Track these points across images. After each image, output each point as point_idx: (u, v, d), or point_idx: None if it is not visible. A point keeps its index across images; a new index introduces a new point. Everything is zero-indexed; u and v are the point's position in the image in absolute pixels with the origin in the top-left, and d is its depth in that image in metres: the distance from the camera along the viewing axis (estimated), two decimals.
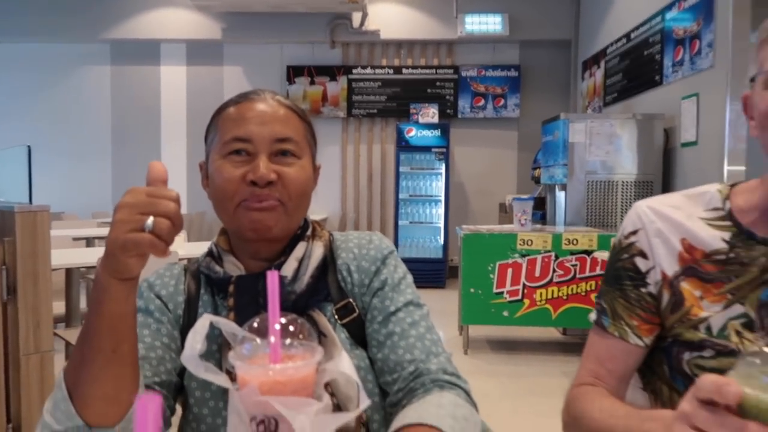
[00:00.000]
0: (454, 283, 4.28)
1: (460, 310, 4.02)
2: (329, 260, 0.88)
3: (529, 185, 6.65)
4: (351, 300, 0.86)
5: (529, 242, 3.86)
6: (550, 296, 3.88)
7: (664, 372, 0.89)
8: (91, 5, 6.95)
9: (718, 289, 0.82)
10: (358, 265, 0.88)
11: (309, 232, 0.88)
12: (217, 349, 0.82)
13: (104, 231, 5.07)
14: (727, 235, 0.84)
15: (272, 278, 0.59)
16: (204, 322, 0.60)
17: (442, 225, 6.70)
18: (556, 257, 3.85)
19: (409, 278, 0.91)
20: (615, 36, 5.62)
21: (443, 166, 6.62)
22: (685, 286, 0.84)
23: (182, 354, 0.57)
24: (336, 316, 0.85)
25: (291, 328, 0.59)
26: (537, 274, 3.89)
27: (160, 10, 7.00)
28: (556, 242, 3.84)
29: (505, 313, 3.90)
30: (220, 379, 0.57)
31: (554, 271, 3.86)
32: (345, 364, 0.59)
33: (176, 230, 0.61)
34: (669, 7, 4.51)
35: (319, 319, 0.82)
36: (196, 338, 0.57)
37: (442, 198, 6.69)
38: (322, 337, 0.80)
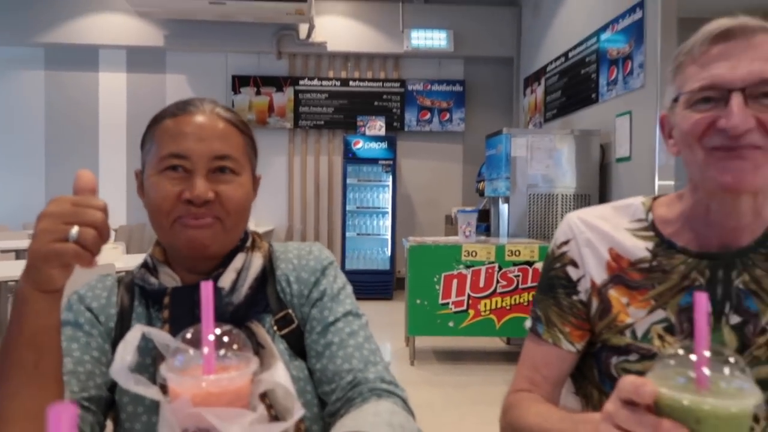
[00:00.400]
0: (402, 294, 4.31)
1: (407, 321, 4.05)
2: (268, 271, 0.87)
3: (474, 197, 6.79)
4: (290, 311, 0.86)
5: (474, 254, 3.94)
6: (494, 306, 3.96)
7: (594, 376, 0.92)
8: (23, 7, 6.66)
9: (642, 296, 0.87)
10: (298, 276, 0.88)
11: (248, 244, 0.88)
12: (152, 362, 0.80)
13: None
14: (650, 245, 0.89)
15: (206, 288, 0.58)
16: (135, 333, 0.58)
17: (389, 237, 6.74)
18: (500, 268, 3.93)
19: (349, 289, 0.92)
20: (554, 55, 5.84)
21: (390, 178, 6.67)
22: (613, 293, 0.89)
23: (111, 367, 0.56)
24: (275, 327, 0.84)
25: (225, 339, 0.59)
26: (481, 284, 3.96)
27: (99, 14, 6.78)
28: (500, 253, 3.93)
29: (451, 324, 3.95)
30: (151, 392, 0.56)
31: (498, 281, 3.94)
32: (280, 374, 0.58)
33: (103, 240, 0.60)
34: (603, 29, 4.73)
35: (257, 330, 0.81)
36: (127, 349, 0.56)
37: (389, 210, 6.73)
38: (260, 348, 0.79)
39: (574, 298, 0.92)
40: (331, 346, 0.83)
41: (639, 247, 0.89)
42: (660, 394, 0.52)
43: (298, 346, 0.85)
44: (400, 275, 6.16)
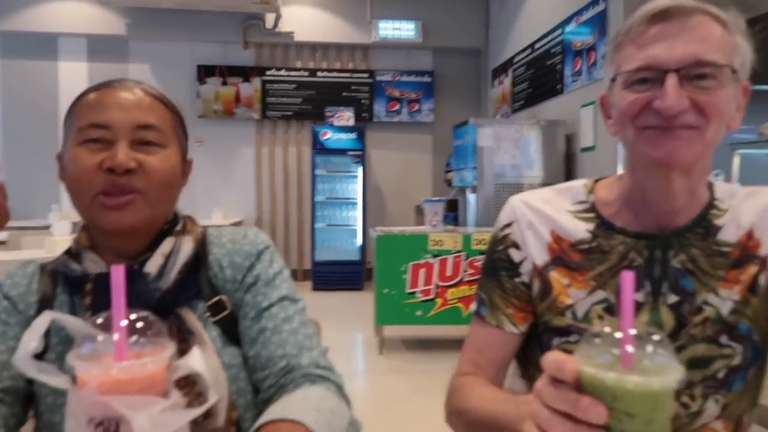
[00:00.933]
0: (372, 284, 4.30)
1: (375, 311, 4.04)
2: (201, 256, 0.85)
3: (443, 188, 6.81)
4: (223, 297, 0.83)
5: (441, 243, 3.94)
6: (461, 295, 3.98)
7: (537, 358, 0.92)
8: None
9: (583, 277, 0.87)
10: (231, 261, 0.86)
11: (179, 227, 0.85)
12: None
13: None
14: (590, 226, 0.89)
15: (117, 273, 0.55)
16: (43, 319, 0.55)
17: (359, 227, 6.72)
18: (467, 257, 3.95)
19: (286, 273, 0.90)
20: (521, 46, 5.87)
21: (359, 169, 6.64)
22: (554, 275, 0.88)
23: (15, 354, 0.53)
24: (207, 314, 0.82)
25: (140, 325, 0.57)
26: (448, 273, 3.97)
27: (58, 1, 6.57)
28: (466, 242, 3.95)
29: (419, 313, 3.96)
30: (57, 381, 0.53)
31: (465, 270, 3.96)
32: (195, 360, 0.56)
33: None
34: (568, 21, 4.76)
35: (187, 316, 0.79)
36: (32, 336, 0.53)
37: (359, 200, 6.71)
38: (189, 335, 0.77)
39: (517, 280, 0.91)
40: (264, 331, 0.82)
41: (579, 229, 0.89)
42: (581, 372, 0.51)
43: (231, 333, 0.82)
44: (371, 266, 6.16)
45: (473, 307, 0.97)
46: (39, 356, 0.57)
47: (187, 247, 0.83)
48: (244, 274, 0.85)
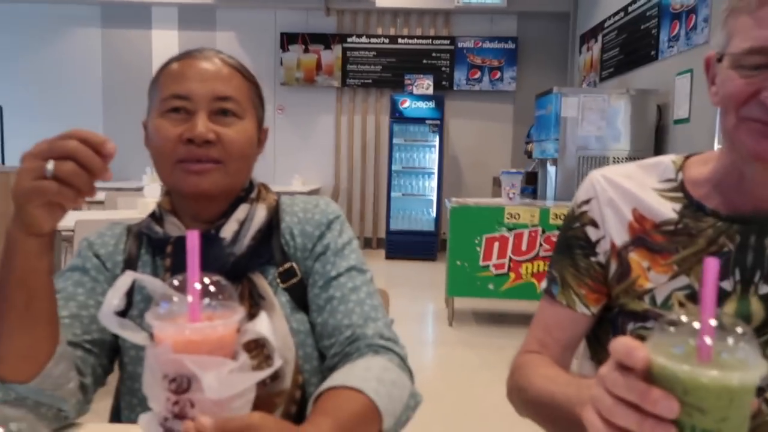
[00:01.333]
0: (445, 256, 4.30)
1: (447, 282, 4.04)
2: (274, 224, 0.87)
3: (523, 160, 6.62)
4: (294, 264, 0.85)
5: (517, 216, 3.86)
6: (535, 270, 3.89)
7: (609, 342, 0.89)
8: None
9: (665, 260, 0.82)
10: (302, 230, 0.87)
11: (253, 195, 0.87)
12: None
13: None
14: (677, 207, 0.83)
15: (192, 238, 0.58)
16: (125, 279, 0.59)
17: (434, 198, 6.69)
18: (543, 231, 3.84)
19: (355, 244, 0.90)
20: (613, 9, 5.52)
21: (437, 139, 6.58)
22: (633, 256, 0.84)
23: (99, 311, 0.56)
24: (278, 280, 0.84)
25: (212, 288, 0.59)
26: (523, 248, 3.89)
27: None
28: (544, 217, 3.84)
29: (491, 286, 3.92)
30: (137, 337, 0.57)
31: (540, 245, 3.86)
32: (263, 325, 0.58)
33: (90, 174, 0.58)
34: None
35: (258, 282, 0.81)
36: (115, 294, 0.57)
37: (436, 171, 6.66)
38: (260, 300, 0.80)
39: (592, 259, 0.88)
40: (332, 300, 0.83)
41: (665, 209, 0.83)
42: (652, 361, 0.49)
43: (300, 300, 0.85)
44: (445, 237, 6.14)
45: (544, 284, 0.94)
46: (123, 312, 0.61)
47: (260, 214, 0.85)
48: (314, 243, 0.87)
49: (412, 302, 4.74)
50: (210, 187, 0.79)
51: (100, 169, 0.59)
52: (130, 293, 0.66)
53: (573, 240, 0.90)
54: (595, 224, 0.88)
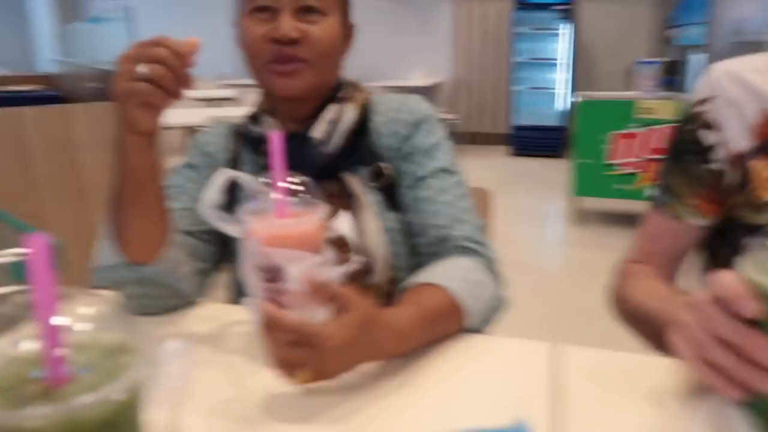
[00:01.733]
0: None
1: (572, 181, 3.88)
2: (364, 123, 0.88)
3: (662, 48, 5.93)
4: (383, 164, 0.87)
5: (651, 111, 3.54)
6: None
7: (724, 256, 0.82)
8: None
9: None
10: (390, 129, 0.88)
11: (342, 94, 0.88)
12: None
13: (224, 92, 5.36)
14: None
15: (275, 139, 0.61)
16: (221, 176, 0.64)
17: (562, 91, 6.28)
18: None
19: (445, 144, 0.89)
20: None
21: (566, 26, 6.05)
22: (756, 164, 0.75)
23: (198, 204, 0.62)
24: (369, 180, 0.86)
25: (298, 187, 0.63)
26: (656, 145, 3.60)
27: None
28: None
29: (618, 186, 3.72)
30: (231, 230, 0.62)
31: None
32: (342, 223, 0.61)
33: (179, 78, 0.63)
34: None
35: (349, 181, 0.84)
36: (212, 189, 0.62)
37: (564, 61, 6.19)
38: (352, 199, 0.83)
39: (706, 166, 0.79)
40: (420, 201, 0.84)
41: None
42: (756, 281, 0.45)
43: (392, 199, 0.86)
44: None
45: (652, 191, 0.87)
46: (229, 206, 0.67)
47: (349, 114, 0.86)
48: (403, 142, 0.87)
49: (536, 200, 4.65)
50: (299, 88, 0.81)
51: (184, 77, 0.64)
52: (233, 189, 0.72)
53: (685, 144, 0.82)
54: (711, 127, 0.79)
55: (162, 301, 0.77)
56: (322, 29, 0.81)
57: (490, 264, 0.81)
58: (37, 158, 1.92)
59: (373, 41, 6.98)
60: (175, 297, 0.78)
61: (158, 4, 7.49)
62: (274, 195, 0.61)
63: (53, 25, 8.31)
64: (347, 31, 0.88)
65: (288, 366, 0.56)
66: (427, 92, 6.72)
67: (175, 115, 2.65)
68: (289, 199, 0.62)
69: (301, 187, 0.63)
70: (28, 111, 1.90)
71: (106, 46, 6.63)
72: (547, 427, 0.53)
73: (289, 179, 0.63)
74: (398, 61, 6.90)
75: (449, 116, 6.23)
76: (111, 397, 0.30)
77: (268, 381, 0.59)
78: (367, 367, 0.61)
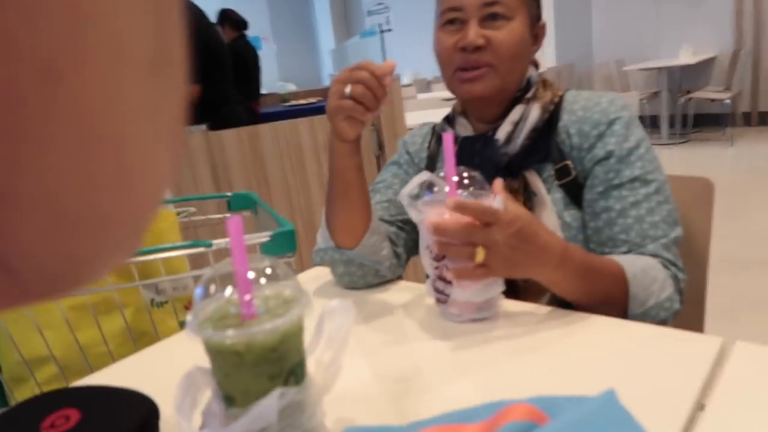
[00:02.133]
0: None
1: None
2: (552, 121, 0.89)
3: None
4: (569, 162, 0.87)
5: None
6: None
7: None
8: None
9: None
10: (579, 129, 0.87)
11: (529, 95, 0.91)
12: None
13: None
14: None
15: (447, 139, 0.71)
16: (419, 176, 0.76)
17: None
18: None
19: (643, 148, 0.84)
20: None
21: None
22: None
23: (400, 195, 0.75)
24: (554, 177, 0.88)
25: (467, 181, 0.72)
26: None
27: None
28: None
29: None
30: (416, 216, 0.74)
31: None
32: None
33: (377, 97, 0.75)
34: None
35: (531, 179, 0.87)
36: (413, 183, 0.74)
37: None
38: (533, 195, 0.86)
39: None
40: (610, 211, 0.83)
41: None
42: None
43: (575, 197, 0.87)
44: None
45: None
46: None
47: (534, 114, 0.88)
48: (592, 143, 0.85)
49: None
50: (482, 91, 0.87)
51: (381, 95, 0.76)
52: (431, 185, 0.81)
53: None
54: None
55: (364, 278, 0.93)
56: (506, 34, 0.86)
57: (675, 281, 0.79)
58: (306, 160, 2.33)
59: (632, 20, 6.42)
60: (374, 275, 0.93)
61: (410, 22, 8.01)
62: (445, 188, 0.71)
63: (331, 42, 9.59)
64: (536, 31, 0.92)
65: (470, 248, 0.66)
66: (694, 70, 5.95)
67: (421, 116, 2.90)
68: (459, 191, 0.71)
69: (470, 182, 0.71)
70: (302, 121, 2.32)
71: (365, 59, 7.52)
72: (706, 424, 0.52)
73: (461, 174, 0.72)
74: (664, 36, 6.25)
75: (723, 96, 5.43)
76: (279, 327, 0.44)
77: (427, 343, 0.70)
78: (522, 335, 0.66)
